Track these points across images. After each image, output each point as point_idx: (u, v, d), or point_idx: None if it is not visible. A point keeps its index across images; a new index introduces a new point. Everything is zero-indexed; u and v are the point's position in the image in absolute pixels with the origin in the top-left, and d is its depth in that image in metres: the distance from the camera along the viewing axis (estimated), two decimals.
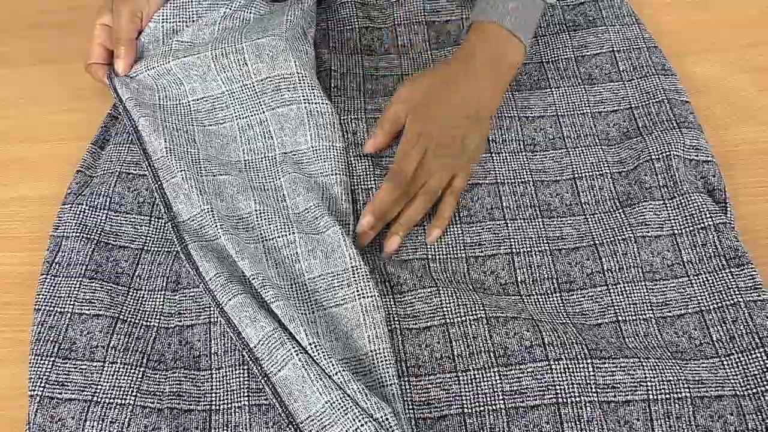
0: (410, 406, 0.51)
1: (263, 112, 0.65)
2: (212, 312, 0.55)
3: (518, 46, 0.64)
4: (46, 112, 0.73)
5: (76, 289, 0.56)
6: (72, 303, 0.56)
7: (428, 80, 0.63)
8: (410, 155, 0.60)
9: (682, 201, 0.59)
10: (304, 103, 0.64)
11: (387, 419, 0.47)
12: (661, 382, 0.50)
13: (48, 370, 0.52)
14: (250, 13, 0.71)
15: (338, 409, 0.47)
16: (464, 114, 0.62)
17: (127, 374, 0.53)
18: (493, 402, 0.50)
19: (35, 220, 0.64)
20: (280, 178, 0.63)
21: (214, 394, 0.52)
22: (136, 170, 0.63)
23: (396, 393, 0.50)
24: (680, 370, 0.51)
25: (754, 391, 0.50)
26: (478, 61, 0.63)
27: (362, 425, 0.46)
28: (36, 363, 0.53)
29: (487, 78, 0.63)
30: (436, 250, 0.59)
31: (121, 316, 0.56)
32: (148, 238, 0.60)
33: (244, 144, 0.65)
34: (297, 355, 0.49)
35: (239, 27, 0.69)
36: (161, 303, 0.57)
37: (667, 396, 0.49)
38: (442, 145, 0.61)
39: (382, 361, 0.51)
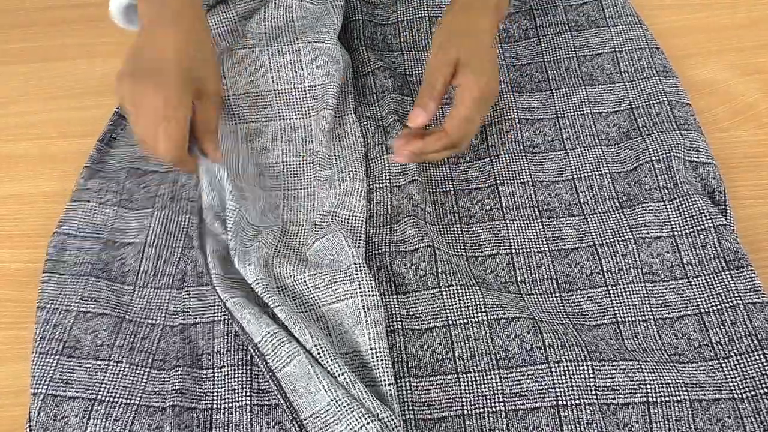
0: (410, 407, 0.51)
1: (309, 116, 0.65)
2: (216, 310, 0.55)
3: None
4: (47, 109, 0.73)
5: (82, 287, 0.56)
6: (77, 301, 0.56)
7: (457, 38, 0.60)
8: (473, 122, 0.58)
9: (682, 202, 0.59)
10: (350, 114, 0.66)
11: (392, 420, 0.47)
12: (660, 385, 0.50)
13: (52, 368, 0.52)
14: None
15: (343, 407, 0.47)
16: (495, 57, 0.61)
17: (132, 374, 0.53)
18: (492, 404, 0.51)
19: (36, 218, 0.64)
20: (313, 185, 0.63)
21: (215, 393, 0.52)
22: (146, 167, 0.63)
23: (393, 393, 0.50)
24: (678, 373, 0.51)
25: (753, 393, 0.50)
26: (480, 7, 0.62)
27: (367, 423, 0.46)
28: (39, 361, 0.53)
29: (492, 17, 0.62)
30: (439, 245, 0.59)
31: (127, 316, 0.56)
32: (151, 229, 0.60)
33: (284, 145, 0.65)
34: (303, 352, 0.50)
35: (286, 19, 0.69)
36: (167, 301, 0.57)
37: (667, 399, 0.50)
38: (492, 99, 0.60)
39: (380, 361, 0.51)
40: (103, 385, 0.52)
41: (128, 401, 0.52)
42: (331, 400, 0.48)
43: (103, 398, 0.52)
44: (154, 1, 0.57)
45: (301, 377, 0.49)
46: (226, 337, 0.54)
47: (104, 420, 0.51)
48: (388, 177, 0.62)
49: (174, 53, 0.55)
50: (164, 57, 0.55)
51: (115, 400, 0.52)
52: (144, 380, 0.53)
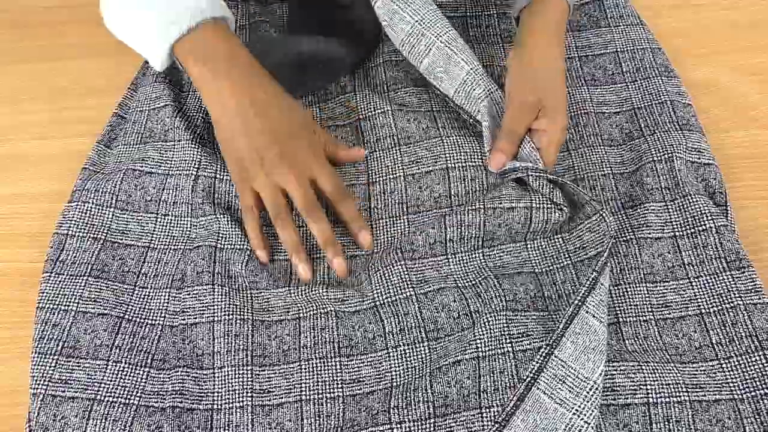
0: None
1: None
2: (216, 310, 0.55)
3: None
4: (47, 109, 0.73)
5: (81, 287, 0.56)
6: (77, 301, 0.56)
7: (533, 77, 0.62)
8: (554, 162, 0.61)
9: (684, 203, 0.59)
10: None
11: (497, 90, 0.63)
12: (661, 386, 0.50)
13: (51, 368, 0.52)
14: None
15: (479, 74, 0.62)
16: (566, 89, 0.63)
17: (132, 374, 0.53)
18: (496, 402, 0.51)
19: (36, 218, 0.64)
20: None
21: (216, 394, 0.52)
22: (142, 167, 0.63)
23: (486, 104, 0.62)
24: (679, 374, 0.51)
25: (753, 394, 0.50)
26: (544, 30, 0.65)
27: (495, 90, 0.62)
28: (39, 361, 0.53)
29: (560, 36, 0.66)
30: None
31: (126, 316, 0.56)
32: (154, 235, 0.60)
33: None
34: (438, 38, 0.62)
35: None
36: (166, 301, 0.57)
37: (667, 400, 0.49)
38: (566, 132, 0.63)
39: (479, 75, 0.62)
40: (103, 386, 0.52)
41: (128, 401, 0.52)
42: (469, 70, 0.62)
43: (103, 398, 0.51)
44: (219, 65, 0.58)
45: (441, 60, 0.62)
46: (226, 337, 0.54)
47: (104, 420, 0.50)
48: (401, 169, 0.63)
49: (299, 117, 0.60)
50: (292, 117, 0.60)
51: (115, 400, 0.51)
52: (143, 380, 0.53)
